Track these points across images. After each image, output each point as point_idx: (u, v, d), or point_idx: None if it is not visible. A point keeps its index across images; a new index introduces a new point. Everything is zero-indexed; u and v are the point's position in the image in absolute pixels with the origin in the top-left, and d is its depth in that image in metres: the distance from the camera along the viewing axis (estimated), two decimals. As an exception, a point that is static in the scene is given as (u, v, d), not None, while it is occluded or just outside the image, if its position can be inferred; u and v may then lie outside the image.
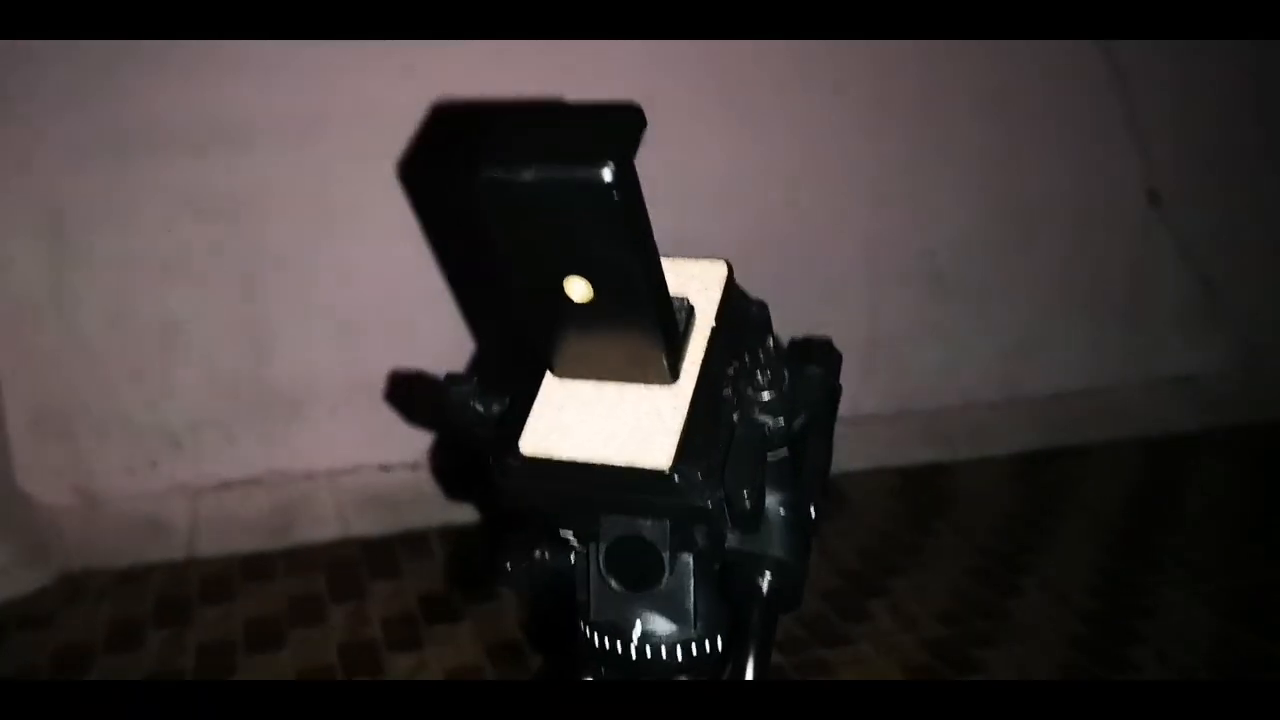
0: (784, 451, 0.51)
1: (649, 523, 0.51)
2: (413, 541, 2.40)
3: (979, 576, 2.25)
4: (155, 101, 2.12)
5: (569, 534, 0.53)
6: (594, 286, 0.43)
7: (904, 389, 2.86)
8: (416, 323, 2.38)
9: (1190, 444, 2.95)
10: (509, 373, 0.51)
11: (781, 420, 0.48)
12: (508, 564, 0.53)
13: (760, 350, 0.49)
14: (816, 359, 0.53)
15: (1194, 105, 2.86)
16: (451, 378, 0.53)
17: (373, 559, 2.32)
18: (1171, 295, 3.03)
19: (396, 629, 2.06)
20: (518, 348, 0.51)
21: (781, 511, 0.52)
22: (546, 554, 0.54)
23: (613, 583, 0.53)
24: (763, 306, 0.54)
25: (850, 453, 2.75)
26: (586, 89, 2.22)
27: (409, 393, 2.40)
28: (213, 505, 2.38)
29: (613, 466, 0.48)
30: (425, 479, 2.51)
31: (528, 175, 0.40)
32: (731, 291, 0.52)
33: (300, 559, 2.32)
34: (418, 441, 2.48)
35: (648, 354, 0.47)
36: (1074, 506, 2.59)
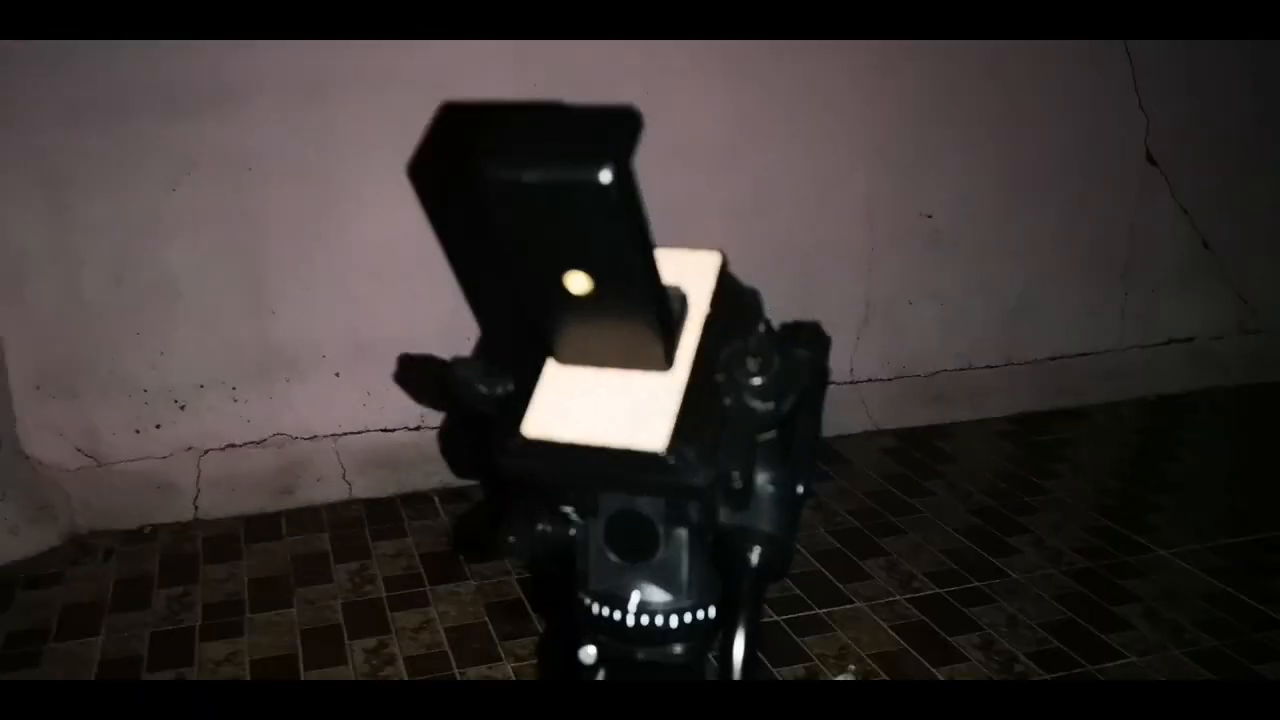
0: (774, 432, 0.54)
1: (645, 499, 0.54)
2: (415, 501, 2.43)
3: (974, 536, 2.28)
4: (156, 62, 2.12)
5: (569, 509, 0.56)
6: (594, 280, 0.46)
7: (902, 351, 2.88)
8: (417, 287, 2.39)
9: (1187, 404, 2.99)
10: (513, 355, 0.53)
11: (771, 404, 0.51)
12: (511, 536, 0.56)
13: (751, 336, 0.52)
14: (805, 343, 0.56)
15: (1193, 69, 2.86)
16: (458, 360, 0.55)
17: (376, 519, 2.36)
18: (1170, 257, 3.05)
19: (400, 587, 2.10)
20: (521, 330, 0.53)
21: (771, 488, 0.54)
22: (548, 527, 0.56)
23: (611, 555, 0.56)
24: (755, 294, 0.56)
25: (848, 415, 2.78)
26: (588, 53, 2.22)
27: (414, 371, 2.43)
28: (217, 466, 2.40)
29: (611, 448, 0.50)
30: (427, 440, 2.54)
31: (531, 176, 0.42)
32: (724, 281, 0.54)
33: (304, 519, 2.36)
34: (419, 404, 2.51)
35: (644, 343, 0.49)
36: (1070, 467, 2.62)
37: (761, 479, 0.54)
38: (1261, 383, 3.07)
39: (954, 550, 2.22)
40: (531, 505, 0.57)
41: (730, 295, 0.54)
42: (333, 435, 2.48)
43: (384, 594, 2.08)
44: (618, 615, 0.56)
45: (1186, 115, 2.90)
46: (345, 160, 2.28)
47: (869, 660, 1.86)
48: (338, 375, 2.44)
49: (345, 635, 1.95)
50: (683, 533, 0.55)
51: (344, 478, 2.46)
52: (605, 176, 0.42)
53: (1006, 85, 2.72)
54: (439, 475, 2.51)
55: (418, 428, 2.53)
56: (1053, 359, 3.01)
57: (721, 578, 0.56)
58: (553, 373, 0.53)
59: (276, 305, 2.36)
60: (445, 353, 2.45)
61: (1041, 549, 2.23)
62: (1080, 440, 2.78)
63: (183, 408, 2.37)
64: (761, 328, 0.54)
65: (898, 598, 2.05)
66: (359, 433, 2.50)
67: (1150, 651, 1.87)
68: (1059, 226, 2.92)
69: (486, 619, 1.99)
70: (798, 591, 2.06)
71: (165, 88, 2.15)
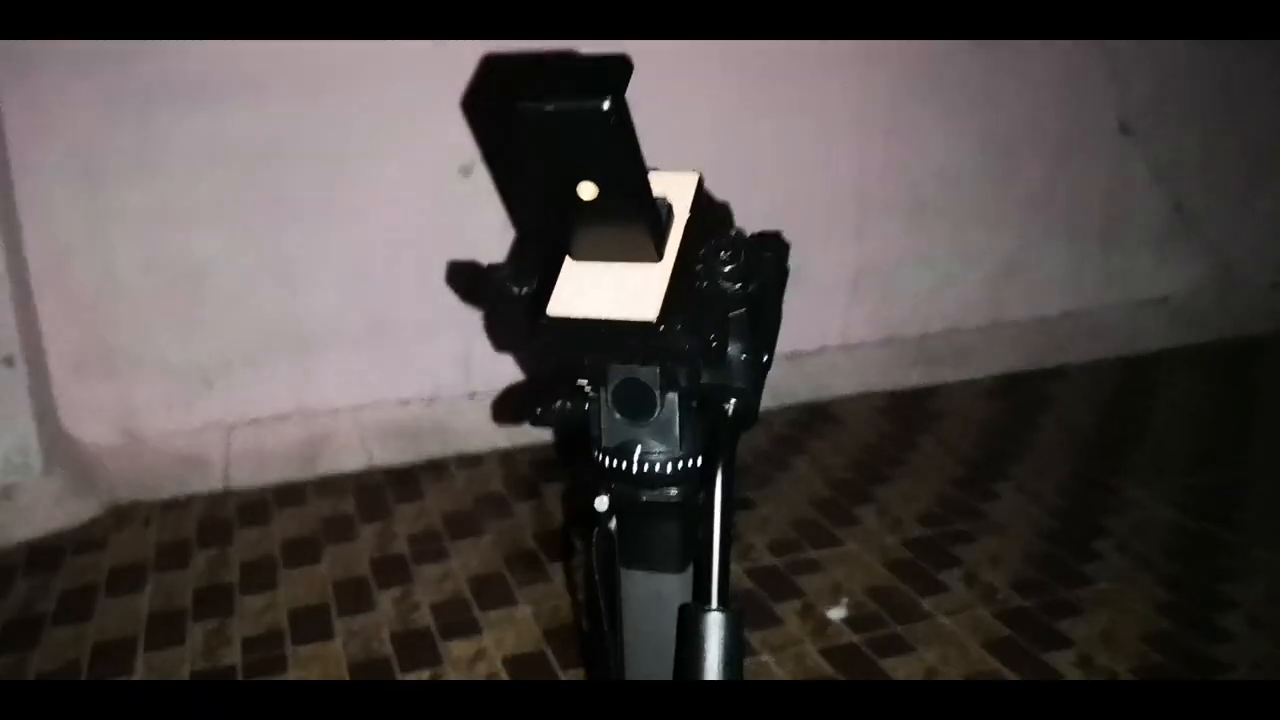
0: (743, 312, 0.68)
1: (645, 369, 0.69)
2: (433, 468, 2.57)
3: (960, 484, 2.42)
4: (178, 58, 2.25)
5: (584, 383, 0.71)
6: (599, 188, 0.60)
7: (892, 315, 3.02)
8: (432, 265, 2.52)
9: (1164, 360, 3.13)
10: (534, 263, 0.68)
11: (738, 285, 0.65)
12: (538, 410, 0.70)
13: (724, 236, 0.66)
14: (769, 245, 0.70)
15: (1163, 42, 2.98)
16: (492, 266, 0.70)
17: (396, 484, 2.50)
18: (1145, 219, 3.18)
19: (422, 543, 2.24)
20: (539, 245, 0.67)
21: (742, 356, 0.69)
22: (568, 403, 0.71)
23: (618, 415, 0.71)
24: (726, 206, 0.71)
25: (841, 377, 2.93)
26: (585, 50, 2.34)
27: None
28: (245, 439, 2.55)
29: (616, 321, 0.65)
30: (441, 411, 2.68)
31: (551, 106, 0.57)
32: (701, 194, 0.69)
33: (329, 486, 2.50)
34: (433, 377, 2.65)
35: (639, 239, 0.64)
36: (1052, 420, 2.76)
37: (734, 349, 0.69)
38: (1236, 337, 3.21)
39: (942, 497, 2.37)
40: (554, 386, 0.71)
41: (706, 205, 0.69)
42: (353, 408, 2.62)
43: (407, 550, 2.22)
44: (624, 465, 0.71)
45: (1159, 80, 3.03)
46: (363, 146, 2.42)
47: (860, 594, 2.00)
48: (356, 351, 2.58)
49: (373, 586, 2.09)
50: (674, 396, 0.70)
51: (365, 447, 2.60)
52: (605, 104, 0.56)
53: (985, 59, 2.85)
54: (454, 444, 2.65)
55: (432, 399, 2.67)
56: (1036, 320, 3.15)
57: (704, 434, 0.70)
58: (569, 267, 0.68)
59: (298, 286, 2.49)
60: (459, 329, 2.60)
61: (1023, 493, 2.37)
62: (1063, 396, 2.92)
63: (211, 385, 2.51)
64: (732, 231, 0.69)
65: (888, 539, 2.20)
66: (378, 405, 2.63)
67: (1122, 579, 2.02)
68: (1039, 193, 3.05)
69: (504, 569, 2.14)
70: (794, 535, 2.20)
71: (190, 82, 2.28)
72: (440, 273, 2.54)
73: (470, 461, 2.60)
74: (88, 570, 2.17)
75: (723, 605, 0.63)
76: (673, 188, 0.68)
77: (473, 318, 2.60)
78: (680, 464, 0.70)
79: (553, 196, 0.62)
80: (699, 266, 0.65)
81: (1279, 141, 3.23)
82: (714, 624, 0.62)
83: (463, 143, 2.46)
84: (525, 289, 0.68)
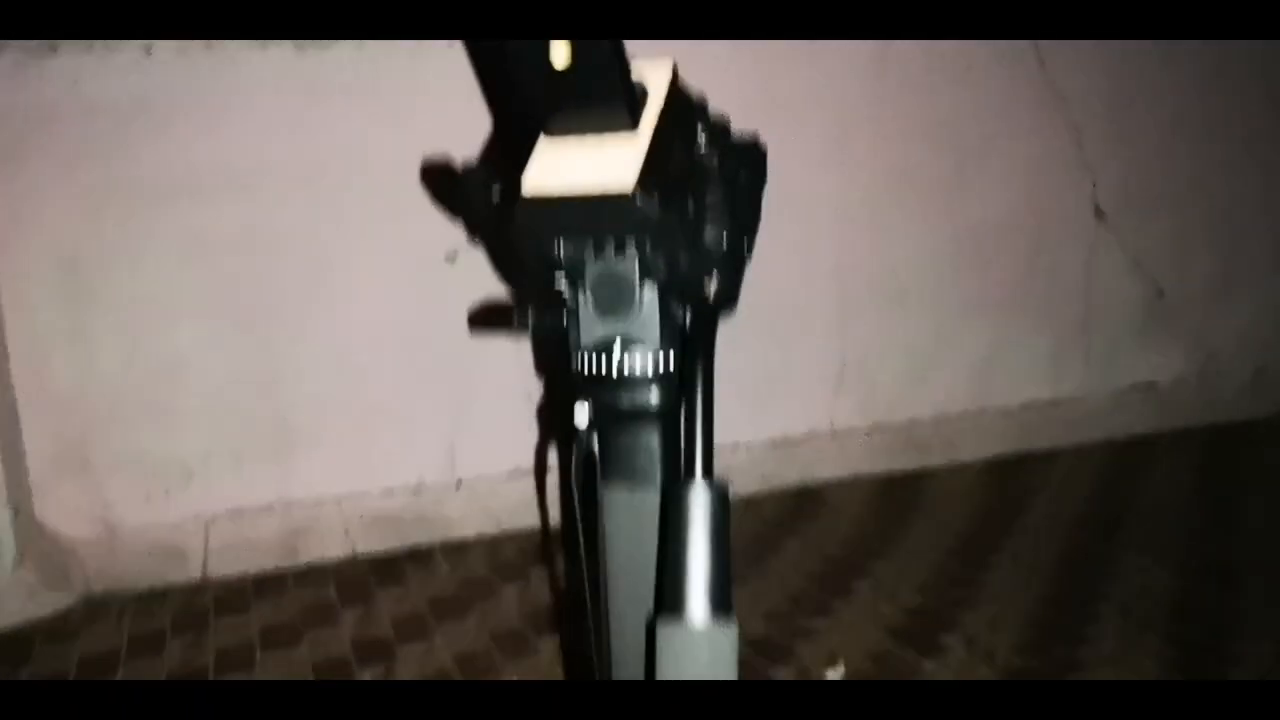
0: (720, 197, 0.67)
1: (622, 262, 0.67)
2: (417, 556, 2.52)
3: (955, 557, 2.38)
4: (161, 154, 2.29)
5: (563, 283, 0.69)
6: (571, 50, 0.60)
7: (878, 403, 3.01)
8: (413, 353, 2.52)
9: (1148, 446, 3.11)
10: (506, 158, 0.67)
11: (715, 160, 0.64)
12: (518, 318, 0.69)
13: (701, 119, 0.65)
14: (748, 143, 0.70)
15: (1134, 122, 3.07)
16: (466, 167, 0.69)
17: (380, 572, 2.44)
18: (1124, 306, 3.21)
19: (406, 625, 2.17)
20: (509, 140, 0.67)
21: (723, 239, 0.68)
22: (547, 315, 0.69)
23: (597, 313, 0.69)
24: (703, 96, 0.70)
25: (830, 463, 2.90)
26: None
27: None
28: (225, 531, 2.49)
29: (592, 195, 0.64)
30: (427, 500, 2.63)
31: None
32: (677, 79, 0.68)
33: (311, 576, 2.44)
34: (418, 466, 2.62)
35: (613, 105, 0.63)
36: (1043, 500, 2.73)
37: (712, 233, 0.67)
38: (1220, 423, 3.21)
39: (937, 569, 2.32)
40: (535, 294, 0.70)
41: (682, 91, 0.68)
42: (336, 498, 2.57)
43: (390, 633, 2.16)
44: (605, 366, 0.69)
45: (1132, 168, 3.10)
46: (347, 237, 2.43)
47: (858, 658, 1.94)
48: (340, 442, 2.55)
49: (354, 665, 2.02)
50: (653, 293, 0.68)
51: (348, 537, 2.55)
52: None
53: (958, 147, 2.92)
54: (440, 532, 2.60)
55: (418, 488, 2.63)
56: (1021, 406, 3.15)
57: (683, 332, 0.68)
58: (544, 145, 0.67)
59: (281, 376, 2.48)
60: (444, 418, 2.58)
61: (1020, 564, 2.33)
62: (1050, 479, 2.90)
63: (191, 477, 2.47)
64: (709, 116, 0.68)
65: (884, 608, 2.14)
66: (361, 495, 2.59)
67: (1125, 638, 1.97)
68: (1019, 281, 3.08)
69: (491, 646, 2.07)
70: (788, 607, 2.15)
71: (174, 178, 2.31)
72: (425, 362, 2.53)
73: (456, 549, 2.55)
74: (59, 659, 2.09)
75: (707, 476, 0.61)
76: (648, 73, 0.68)
77: (458, 407, 2.58)
78: (661, 360, 0.68)
79: (523, 67, 0.62)
80: (676, 145, 0.65)
81: (1254, 227, 3.29)
82: (699, 493, 0.59)
83: (448, 230, 2.48)
84: (498, 184, 0.67)
